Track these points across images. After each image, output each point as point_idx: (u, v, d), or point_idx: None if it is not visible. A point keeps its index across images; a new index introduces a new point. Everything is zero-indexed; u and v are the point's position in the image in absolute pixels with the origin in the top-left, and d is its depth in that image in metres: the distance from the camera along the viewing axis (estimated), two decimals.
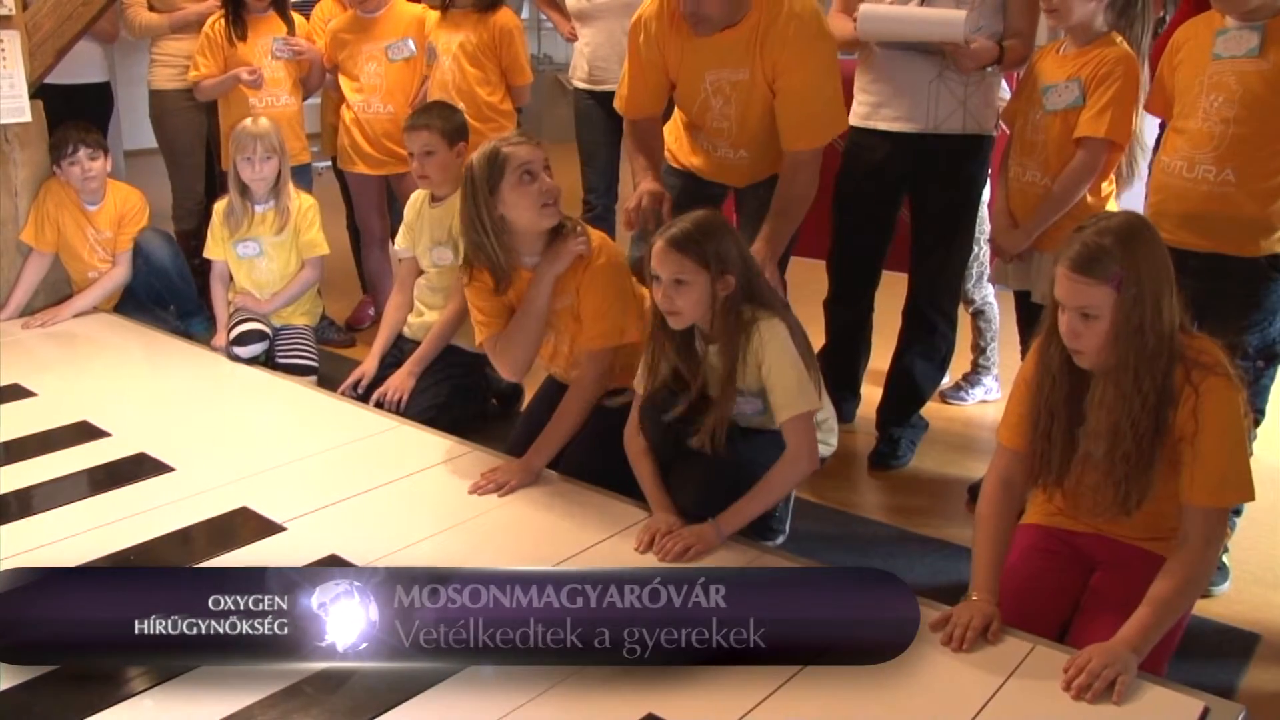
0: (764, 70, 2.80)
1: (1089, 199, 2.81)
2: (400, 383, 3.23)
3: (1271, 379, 2.65)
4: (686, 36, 2.84)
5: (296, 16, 4.33)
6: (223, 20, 4.18)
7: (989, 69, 3.02)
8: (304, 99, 4.40)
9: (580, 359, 2.77)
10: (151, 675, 1.93)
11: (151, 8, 4.32)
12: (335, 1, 4.37)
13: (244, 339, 3.68)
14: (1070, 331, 1.95)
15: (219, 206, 3.90)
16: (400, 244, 3.55)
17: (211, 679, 1.92)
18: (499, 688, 1.91)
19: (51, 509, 2.58)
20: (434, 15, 4.05)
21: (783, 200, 2.87)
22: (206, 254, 3.94)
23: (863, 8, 3.01)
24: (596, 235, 2.77)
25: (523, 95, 4.10)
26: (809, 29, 2.79)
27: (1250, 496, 1.97)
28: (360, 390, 3.33)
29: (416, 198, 3.50)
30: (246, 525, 2.50)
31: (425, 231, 3.43)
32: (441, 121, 3.33)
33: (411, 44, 4.10)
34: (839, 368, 3.40)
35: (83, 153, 3.95)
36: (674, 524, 2.37)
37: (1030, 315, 2.92)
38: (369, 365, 3.40)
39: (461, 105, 3.83)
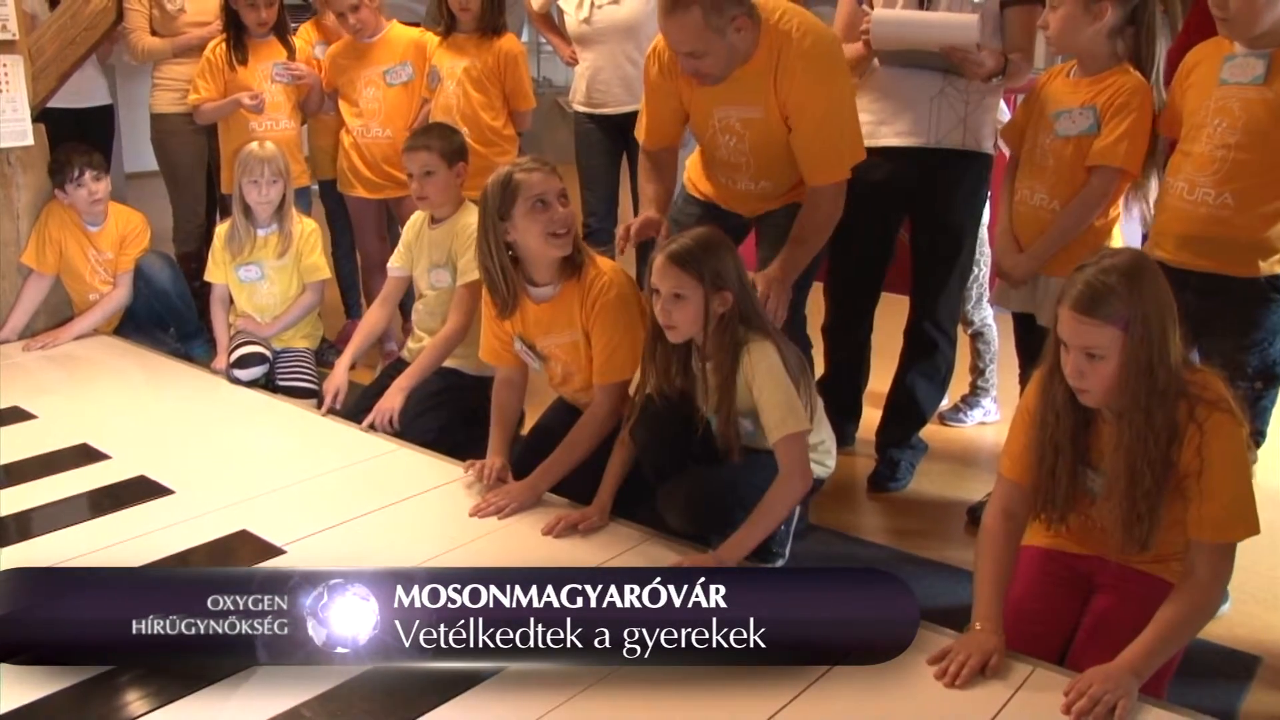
0: (778, 106, 2.73)
1: (1095, 223, 2.83)
2: (388, 403, 3.18)
3: (1271, 400, 2.65)
4: None
5: (296, 41, 4.35)
6: (224, 44, 4.20)
7: (995, 80, 3.04)
8: (303, 123, 4.41)
9: (592, 390, 2.79)
10: (148, 699, 1.93)
11: (154, 32, 4.34)
12: (314, 27, 4.38)
13: (244, 362, 3.69)
14: (1075, 371, 1.94)
15: (220, 230, 3.91)
16: (395, 263, 3.53)
17: (208, 703, 1.92)
18: (502, 708, 1.91)
19: (51, 531, 2.58)
20: (434, 39, 4.07)
21: (803, 228, 2.81)
22: (207, 277, 3.95)
23: (875, 14, 3.00)
24: (609, 266, 2.78)
25: (525, 120, 4.12)
26: (818, 65, 2.70)
27: (1255, 530, 1.96)
28: (339, 406, 3.32)
29: (416, 219, 3.49)
30: (246, 548, 2.49)
31: (424, 254, 3.43)
32: (441, 142, 3.33)
33: (410, 68, 4.11)
34: (839, 391, 3.40)
35: (88, 175, 3.98)
36: (589, 517, 2.52)
37: (1030, 338, 2.93)
38: (339, 378, 3.36)
39: (465, 130, 3.84)
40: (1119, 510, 1.98)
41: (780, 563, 2.64)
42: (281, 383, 3.74)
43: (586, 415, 2.75)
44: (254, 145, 3.82)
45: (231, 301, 3.93)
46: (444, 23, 3.96)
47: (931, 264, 3.25)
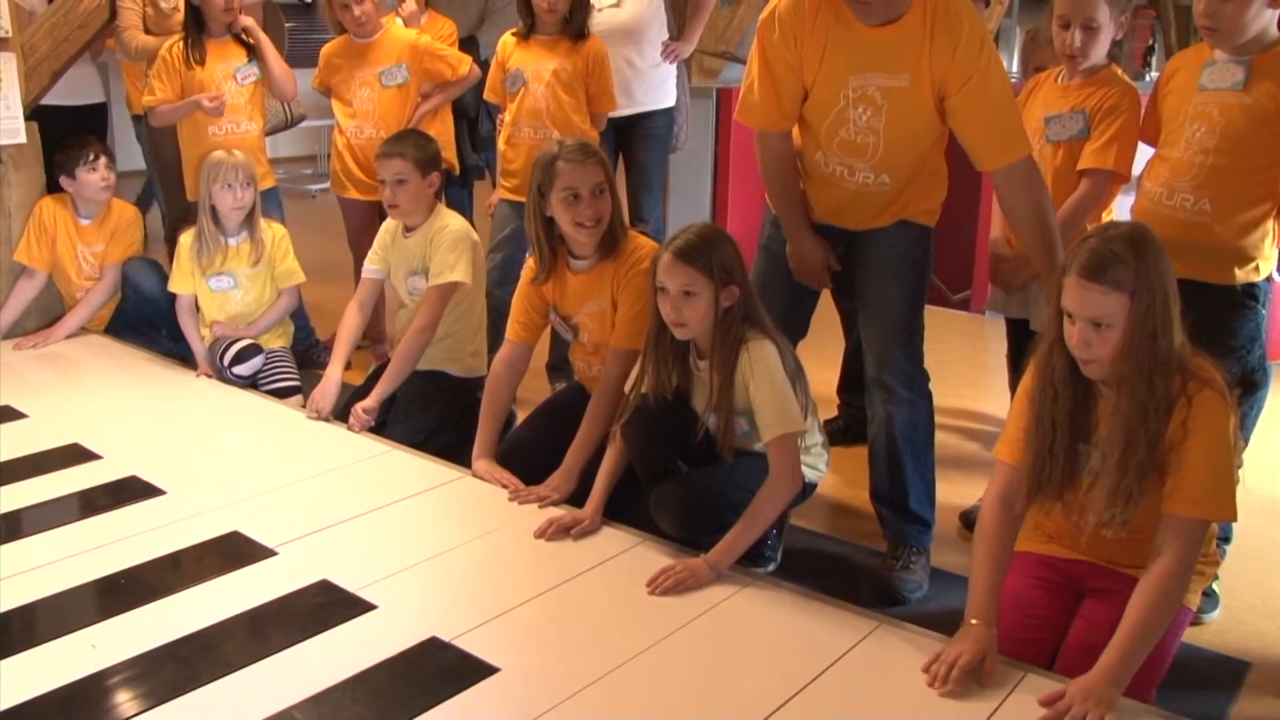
0: (931, 76, 2.43)
1: (1088, 226, 2.83)
2: (363, 406, 3.24)
3: (1250, 408, 2.65)
4: (833, 31, 2.48)
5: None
6: (180, 44, 4.10)
7: None
8: (267, 132, 4.32)
9: (606, 356, 2.85)
10: (138, 701, 1.93)
11: (147, 31, 4.32)
12: None
13: (241, 356, 3.68)
14: (1082, 341, 1.93)
15: (185, 240, 3.84)
16: (370, 264, 3.53)
17: (198, 704, 1.92)
18: (494, 710, 1.91)
19: (42, 532, 2.58)
20: (510, 41, 3.87)
21: (1037, 215, 2.54)
22: (172, 288, 3.88)
23: None
24: (646, 241, 2.85)
25: (601, 122, 3.96)
26: (980, 31, 2.43)
27: (1232, 516, 1.95)
28: (331, 420, 3.31)
29: (390, 225, 3.49)
30: (237, 549, 2.49)
31: (401, 263, 3.44)
32: (415, 150, 3.32)
33: (405, 70, 4.08)
34: None
35: (103, 160, 4.00)
36: (581, 520, 2.54)
37: (1024, 344, 2.92)
38: (332, 390, 3.35)
39: (555, 132, 3.79)
40: (1109, 479, 1.97)
41: (772, 566, 2.65)
42: (264, 385, 3.72)
43: (601, 383, 2.79)
44: (220, 153, 3.78)
45: (199, 310, 3.88)
46: (525, 23, 3.89)
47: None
